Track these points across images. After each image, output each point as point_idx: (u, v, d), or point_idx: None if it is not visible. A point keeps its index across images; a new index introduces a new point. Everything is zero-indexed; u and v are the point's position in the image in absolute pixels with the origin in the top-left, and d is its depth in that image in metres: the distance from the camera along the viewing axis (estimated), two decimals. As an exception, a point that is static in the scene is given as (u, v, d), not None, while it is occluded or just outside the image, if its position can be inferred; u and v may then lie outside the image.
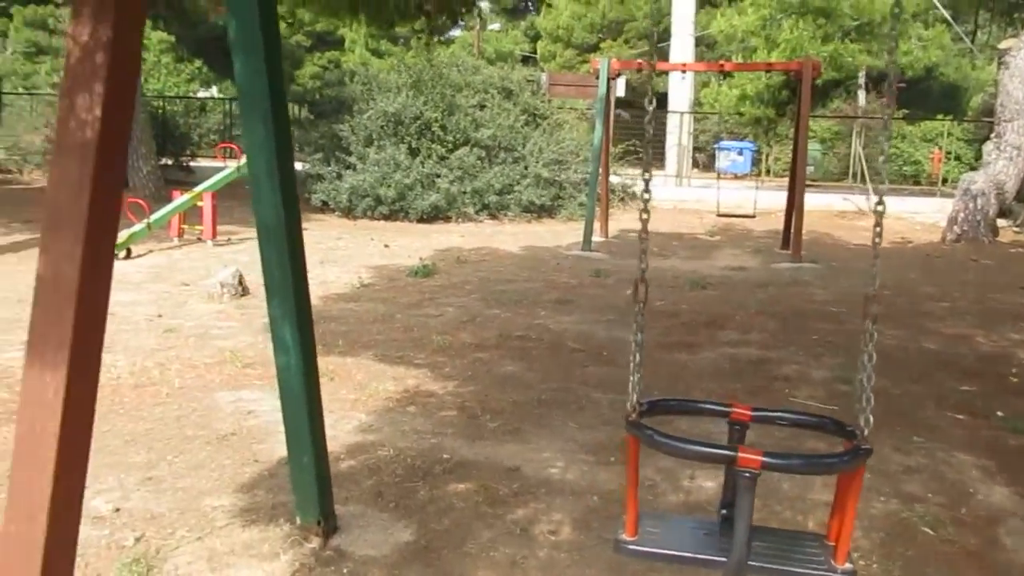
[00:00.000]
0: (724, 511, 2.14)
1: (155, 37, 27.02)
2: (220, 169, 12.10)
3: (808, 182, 12.39)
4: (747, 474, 1.83)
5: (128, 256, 9.60)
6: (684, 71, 14.60)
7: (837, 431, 2.07)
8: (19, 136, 18.57)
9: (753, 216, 13.14)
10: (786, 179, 17.89)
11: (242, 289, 7.63)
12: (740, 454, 1.82)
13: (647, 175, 1.87)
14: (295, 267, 2.60)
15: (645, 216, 1.91)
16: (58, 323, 1.76)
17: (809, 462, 2.39)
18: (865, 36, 14.26)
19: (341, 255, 10.05)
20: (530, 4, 34.87)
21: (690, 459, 1.96)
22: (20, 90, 29.74)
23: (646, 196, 1.89)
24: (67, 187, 1.76)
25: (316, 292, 6.19)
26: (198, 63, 30.30)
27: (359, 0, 4.03)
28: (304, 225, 9.73)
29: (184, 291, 7.90)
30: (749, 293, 8.68)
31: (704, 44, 25.96)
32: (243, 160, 12.00)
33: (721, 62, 12.87)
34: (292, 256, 2.57)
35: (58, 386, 1.77)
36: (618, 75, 12.31)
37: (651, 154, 1.93)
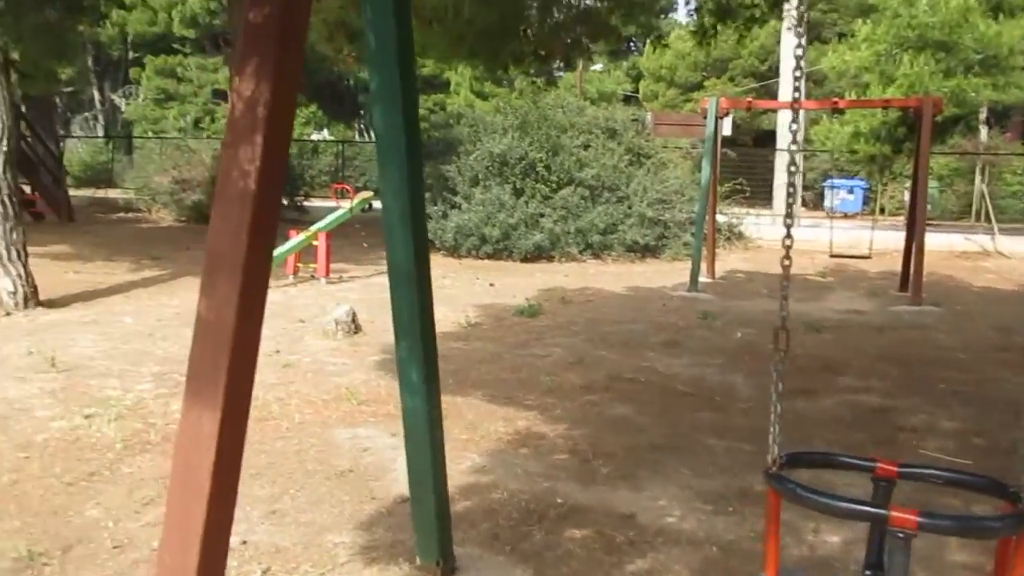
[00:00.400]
0: (868, 572, 2.03)
1: (273, 84, 28.46)
2: (332, 209, 12.55)
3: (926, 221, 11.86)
4: (900, 535, 1.73)
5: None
6: (795, 109, 14.33)
7: (997, 492, 1.94)
8: (148, 177, 19.80)
9: (869, 257, 12.66)
10: (900, 218, 17.22)
11: (355, 327, 7.84)
12: (893, 513, 1.72)
13: (789, 221, 1.83)
14: (424, 311, 2.66)
15: (787, 262, 1.87)
16: (215, 363, 1.84)
17: (970, 524, 2.22)
18: (990, 70, 13.63)
19: (448, 294, 10.21)
20: (632, 45, 35.03)
21: (836, 516, 1.87)
22: (149, 134, 31.82)
23: (788, 243, 1.85)
24: (227, 233, 1.85)
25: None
26: (313, 107, 31.72)
27: (478, 47, 4.13)
28: (417, 265, 9.63)
29: (300, 327, 8.17)
30: (867, 337, 8.33)
31: (812, 80, 25.44)
32: (356, 200, 12.44)
33: (835, 99, 12.53)
34: (421, 300, 2.63)
35: (213, 424, 1.85)
36: (726, 114, 12.17)
37: (795, 197, 1.88)
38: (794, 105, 1.79)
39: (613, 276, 12.58)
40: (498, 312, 9.19)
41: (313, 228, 11.41)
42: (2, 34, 12.88)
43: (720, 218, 14.48)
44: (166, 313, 8.66)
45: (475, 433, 5.06)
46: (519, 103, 16.82)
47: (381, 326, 8.13)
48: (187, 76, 33.41)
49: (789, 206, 1.79)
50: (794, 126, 1.73)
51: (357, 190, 14.18)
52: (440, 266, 12.95)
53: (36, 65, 14.20)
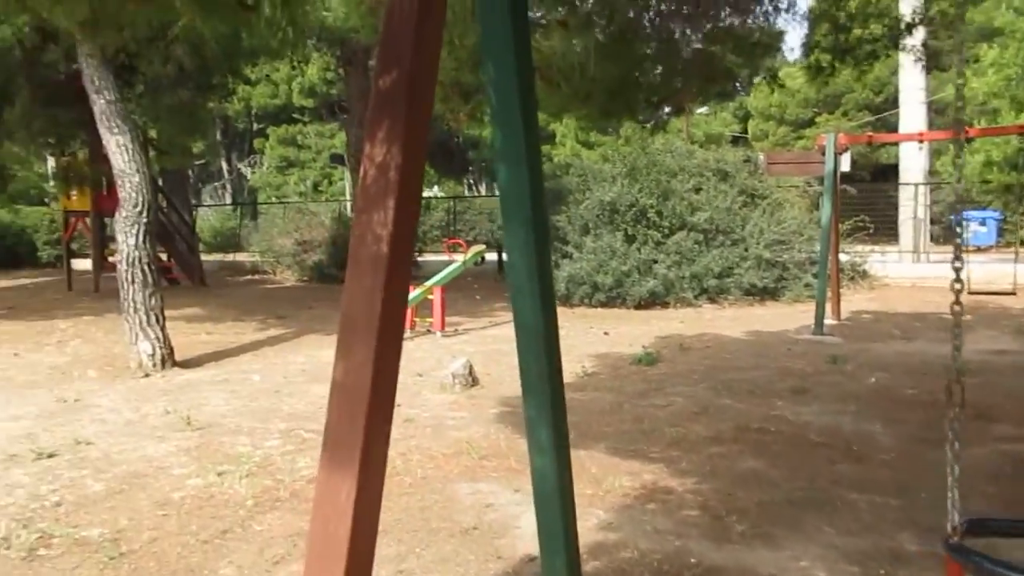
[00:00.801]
0: None
1: (386, 145, 29.56)
2: (445, 263, 12.77)
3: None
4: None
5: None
6: (921, 141, 13.73)
7: None
8: (272, 240, 20.78)
9: (1013, 293, 11.82)
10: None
11: (472, 379, 7.86)
12: None
13: (957, 264, 1.67)
14: (552, 368, 2.60)
15: (957, 308, 1.71)
16: (351, 428, 1.83)
17: None
18: None
19: (563, 344, 10.05)
20: (739, 85, 34.61)
21: None
22: (273, 199, 33.57)
23: (957, 286, 1.69)
24: (361, 298, 1.86)
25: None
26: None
27: (609, 103, 4.12)
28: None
29: (418, 381, 8.26)
30: (1019, 380, 7.70)
31: (934, 110, 24.35)
32: (469, 254, 12.63)
33: (964, 128, 11.91)
34: (549, 357, 2.58)
35: (350, 489, 1.83)
36: (845, 149, 11.75)
37: (962, 236, 1.73)
38: (957, 136, 1.65)
39: (731, 321, 12.21)
40: (615, 361, 9.03)
41: (429, 283, 11.62)
42: (141, 114, 13.94)
43: (843, 257, 13.90)
44: (291, 370, 8.94)
45: (600, 488, 4.92)
46: (627, 150, 16.82)
47: (498, 378, 8.14)
48: (306, 143, 35.22)
49: (957, 247, 1.64)
50: (959, 160, 1.59)
51: (468, 244, 14.42)
52: (553, 316, 12.89)
53: (171, 142, 15.27)
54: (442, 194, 32.22)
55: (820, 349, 9.51)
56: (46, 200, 24.96)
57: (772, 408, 6.76)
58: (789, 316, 12.37)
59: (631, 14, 3.74)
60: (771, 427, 6.19)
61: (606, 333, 11.19)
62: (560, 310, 12.95)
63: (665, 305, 13.82)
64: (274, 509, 4.80)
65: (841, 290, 12.51)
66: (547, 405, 2.61)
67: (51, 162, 19.39)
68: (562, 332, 10.08)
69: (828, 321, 11.11)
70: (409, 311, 11.33)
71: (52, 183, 20.09)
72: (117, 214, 9.48)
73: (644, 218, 14.35)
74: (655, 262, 13.97)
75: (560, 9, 3.68)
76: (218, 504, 4.88)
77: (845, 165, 12.53)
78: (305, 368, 9.00)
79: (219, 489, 5.12)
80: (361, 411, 1.83)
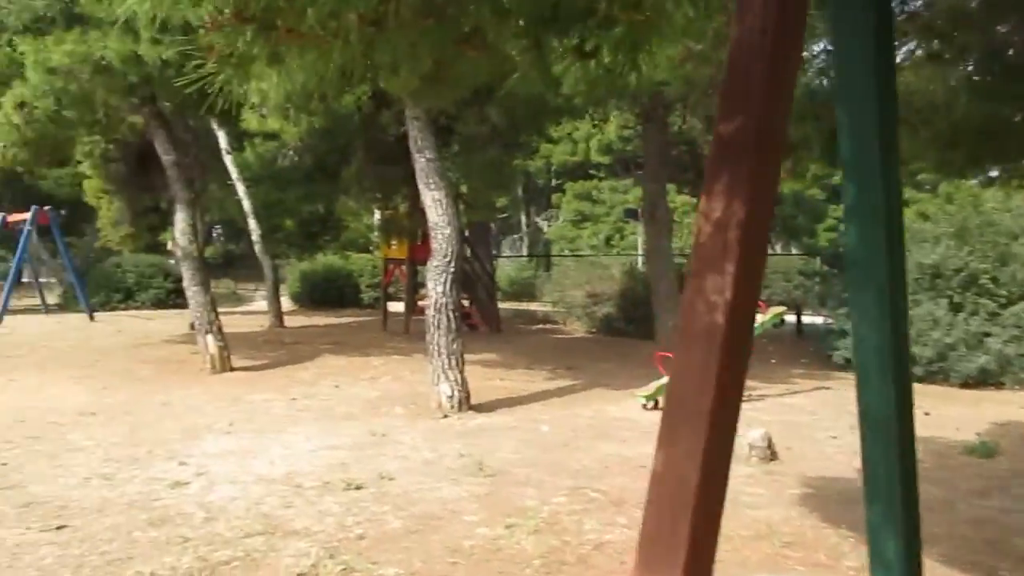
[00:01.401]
0: None
1: (679, 200, 29.36)
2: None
3: None
4: None
5: (656, 407, 9.96)
6: None
7: None
8: (564, 291, 21.29)
9: None
10: None
11: (771, 453, 7.23)
12: None
13: None
14: (905, 469, 2.14)
15: None
16: (672, 530, 1.57)
17: None
18: None
19: (874, 421, 9.05)
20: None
21: None
22: (566, 252, 34.72)
23: None
24: (692, 376, 1.61)
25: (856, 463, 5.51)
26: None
27: (960, 142, 3.57)
28: (826, 384, 8.94)
29: (710, 449, 7.78)
30: None
31: None
32: (768, 316, 11.89)
33: None
34: (903, 455, 2.13)
35: (668, 601, 1.56)
36: None
37: None
38: None
39: (1091, 411, 10.19)
40: (940, 448, 7.86)
41: (722, 344, 11.06)
42: (455, 172, 15.05)
43: None
44: (579, 423, 8.89)
45: (934, 605, 4.16)
46: (952, 208, 15.04)
47: (799, 454, 7.44)
48: (600, 198, 36.16)
49: None
50: None
51: (766, 304, 13.60)
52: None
53: (479, 197, 16.30)
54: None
55: None
56: (370, 248, 27.88)
57: None
58: None
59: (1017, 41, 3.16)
60: None
61: (927, 413, 9.83)
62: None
63: (1000, 386, 11.93)
64: (560, 573, 4.65)
65: None
66: (897, 512, 2.15)
67: (377, 215, 21.56)
68: (880, 411, 8.77)
69: None
70: (700, 372, 10.84)
71: (376, 233, 22.36)
72: (428, 263, 10.17)
73: (975, 285, 12.60)
74: (988, 335, 12.15)
75: (924, 42, 3.20)
76: (504, 559, 4.84)
77: None
78: (593, 423, 8.90)
79: (506, 542, 5.09)
80: (686, 510, 1.56)
